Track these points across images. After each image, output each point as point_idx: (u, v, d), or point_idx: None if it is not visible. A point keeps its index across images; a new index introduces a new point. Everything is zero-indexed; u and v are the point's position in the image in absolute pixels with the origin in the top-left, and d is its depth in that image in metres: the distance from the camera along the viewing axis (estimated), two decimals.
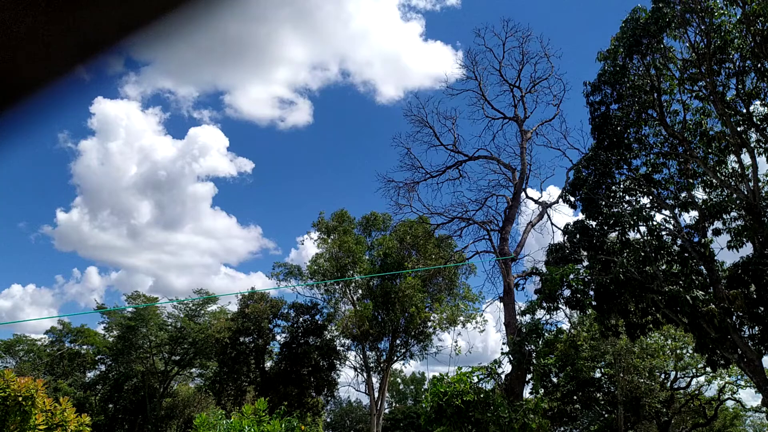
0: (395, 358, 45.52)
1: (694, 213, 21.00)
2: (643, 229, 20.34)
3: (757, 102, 19.62)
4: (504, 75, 29.45)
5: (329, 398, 50.66)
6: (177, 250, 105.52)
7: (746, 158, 19.07)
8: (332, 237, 45.37)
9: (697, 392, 42.40)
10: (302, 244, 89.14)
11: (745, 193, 18.82)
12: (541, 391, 23.11)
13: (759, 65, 18.20)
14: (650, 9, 19.15)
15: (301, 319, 48.98)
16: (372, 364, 45.13)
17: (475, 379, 21.34)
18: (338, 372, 48.82)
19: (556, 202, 27.38)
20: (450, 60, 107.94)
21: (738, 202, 19.25)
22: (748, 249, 19.54)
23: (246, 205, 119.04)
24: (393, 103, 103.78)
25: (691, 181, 21.24)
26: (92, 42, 0.95)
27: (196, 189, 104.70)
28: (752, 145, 18.97)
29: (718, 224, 20.03)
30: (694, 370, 40.44)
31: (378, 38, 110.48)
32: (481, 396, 20.29)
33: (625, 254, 20.16)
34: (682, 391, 41.91)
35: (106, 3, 0.92)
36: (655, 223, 20.45)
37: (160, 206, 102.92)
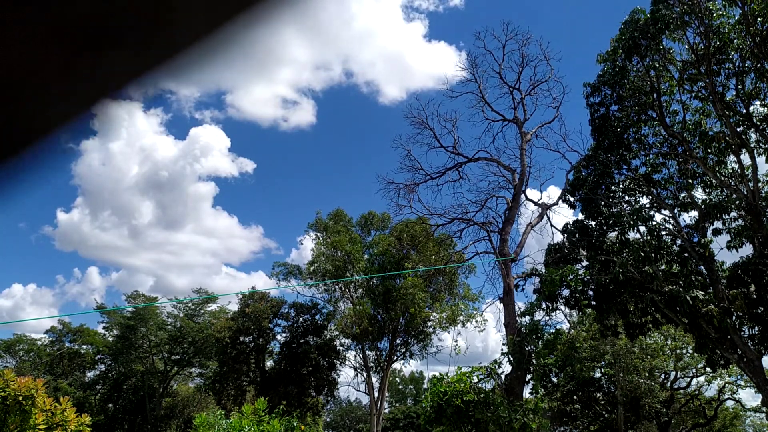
0: (395, 358, 45.53)
1: (694, 213, 21.02)
2: (642, 229, 20.35)
3: (757, 102, 19.63)
4: (504, 77, 29.43)
5: (329, 398, 50.71)
6: (178, 250, 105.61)
7: (746, 158, 19.09)
8: (329, 236, 45.45)
9: (697, 392, 42.47)
10: (302, 244, 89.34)
11: (745, 193, 18.83)
12: (541, 391, 23.12)
13: (758, 65, 18.21)
14: (649, 10, 19.15)
15: (301, 318, 49.06)
16: (372, 364, 45.15)
17: (475, 379, 21.35)
18: (338, 372, 48.92)
19: (556, 203, 27.41)
20: (453, 60, 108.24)
21: (738, 202, 19.26)
22: (747, 249, 19.59)
23: (247, 205, 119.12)
24: (395, 104, 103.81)
25: (690, 181, 21.25)
26: (102, 87, 0.98)
27: (197, 189, 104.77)
28: (752, 145, 18.97)
29: (717, 224, 20.05)
30: (693, 370, 40.52)
31: (381, 39, 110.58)
32: (481, 396, 20.30)
33: (625, 254, 20.17)
34: (682, 391, 41.97)
35: (123, 47, 0.94)
36: (654, 223, 20.45)
37: (162, 206, 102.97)
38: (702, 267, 19.97)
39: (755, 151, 18.74)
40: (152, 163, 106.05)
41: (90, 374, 64.59)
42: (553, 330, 22.54)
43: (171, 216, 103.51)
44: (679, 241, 20.62)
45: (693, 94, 20.27)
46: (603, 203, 21.27)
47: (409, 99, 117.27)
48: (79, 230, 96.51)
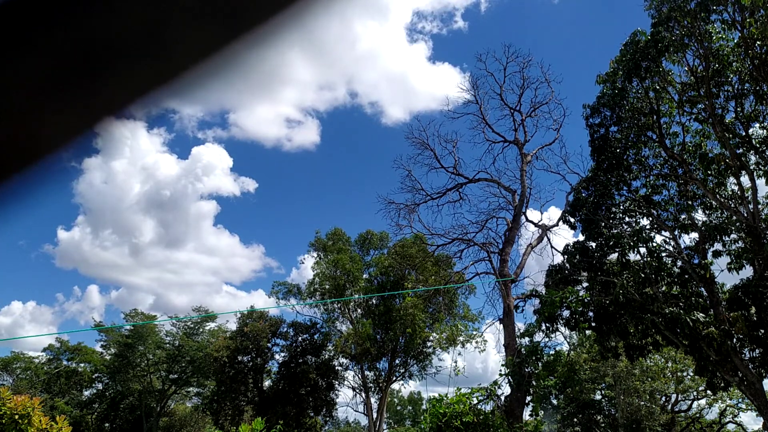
0: (394, 378, 45.24)
1: (694, 235, 21.02)
2: (643, 250, 20.33)
3: (756, 125, 19.73)
4: (505, 99, 29.53)
5: (327, 419, 50.23)
6: (179, 269, 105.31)
7: (746, 180, 19.14)
8: (328, 256, 45.43)
9: (698, 415, 42.15)
10: (302, 263, 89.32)
11: (745, 215, 18.84)
12: (541, 413, 22.93)
13: (757, 88, 18.31)
14: (650, 33, 19.31)
15: (300, 338, 48.79)
16: (370, 384, 44.84)
17: (475, 401, 21.18)
18: (337, 392, 48.53)
19: (556, 224, 27.39)
20: (456, 82, 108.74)
21: (738, 224, 19.27)
22: (748, 271, 19.55)
23: (249, 224, 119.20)
24: (399, 125, 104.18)
25: (690, 202, 21.28)
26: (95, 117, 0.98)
27: (199, 207, 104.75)
28: (751, 167, 19.03)
29: (718, 246, 20.04)
30: (694, 393, 40.23)
31: (385, 60, 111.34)
32: (481, 417, 20.13)
33: (625, 275, 20.13)
34: (683, 414, 41.65)
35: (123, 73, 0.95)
36: (655, 244, 20.45)
37: (163, 225, 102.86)
38: (702, 289, 19.92)
39: (755, 173, 18.79)
40: (154, 182, 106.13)
41: (87, 393, 64.10)
42: (552, 351, 22.43)
43: (172, 234, 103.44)
44: (679, 263, 20.60)
45: (692, 116, 20.38)
46: (603, 224, 21.27)
47: (412, 120, 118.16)
48: (80, 248, 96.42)
